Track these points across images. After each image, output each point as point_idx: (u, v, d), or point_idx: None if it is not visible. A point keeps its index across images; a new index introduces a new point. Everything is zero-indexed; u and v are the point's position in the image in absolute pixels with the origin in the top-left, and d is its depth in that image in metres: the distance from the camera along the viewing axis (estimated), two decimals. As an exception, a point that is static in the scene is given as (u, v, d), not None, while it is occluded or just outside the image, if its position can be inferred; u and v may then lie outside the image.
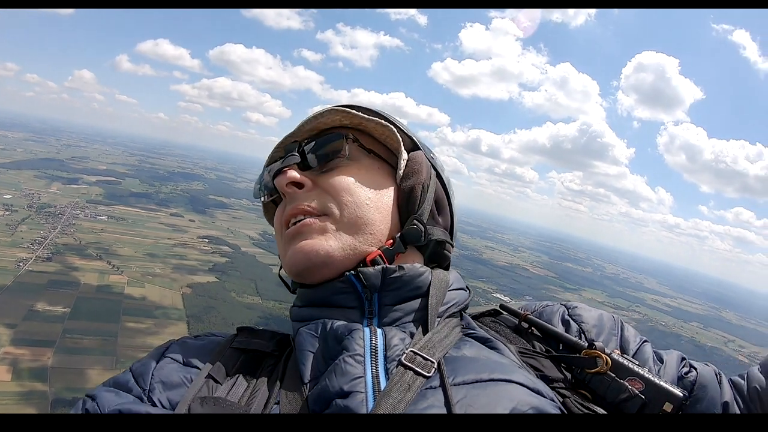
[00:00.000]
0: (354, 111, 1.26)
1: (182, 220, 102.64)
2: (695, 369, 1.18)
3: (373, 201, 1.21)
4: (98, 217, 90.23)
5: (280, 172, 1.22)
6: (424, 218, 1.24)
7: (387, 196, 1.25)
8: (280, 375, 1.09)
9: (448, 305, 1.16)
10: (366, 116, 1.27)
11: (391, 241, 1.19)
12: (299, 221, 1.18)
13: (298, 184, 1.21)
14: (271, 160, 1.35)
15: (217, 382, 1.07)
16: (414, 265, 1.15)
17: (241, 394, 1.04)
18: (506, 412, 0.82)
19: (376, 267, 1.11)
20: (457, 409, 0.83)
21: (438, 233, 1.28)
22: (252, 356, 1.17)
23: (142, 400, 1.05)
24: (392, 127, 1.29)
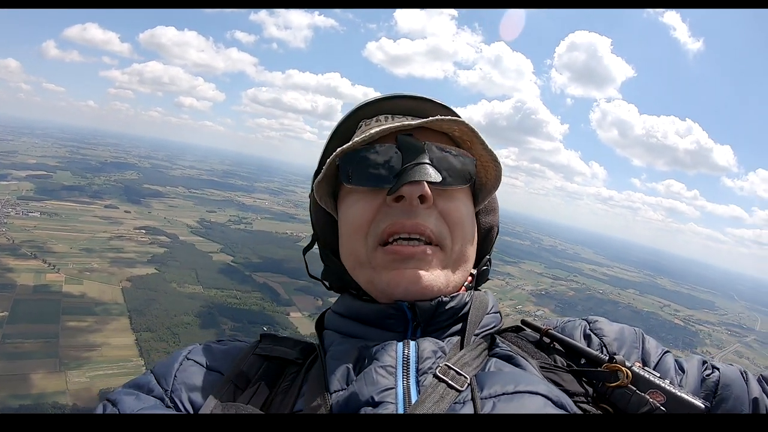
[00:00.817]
0: (475, 131, 1.20)
1: (117, 212, 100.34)
2: (717, 369, 1.16)
3: (472, 236, 1.24)
4: (30, 213, 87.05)
5: (410, 182, 1.10)
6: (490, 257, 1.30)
7: (476, 232, 1.28)
8: (302, 383, 1.08)
9: (485, 328, 1.17)
10: (484, 144, 1.22)
11: (471, 278, 1.25)
12: (413, 241, 1.12)
13: (423, 199, 1.13)
14: (374, 138, 1.16)
15: (239, 388, 1.07)
16: (464, 294, 1.18)
17: (263, 401, 1.04)
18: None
19: (432, 302, 1.11)
20: None
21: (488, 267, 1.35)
22: (275, 363, 1.16)
23: (164, 401, 1.06)
24: (500, 166, 1.26)
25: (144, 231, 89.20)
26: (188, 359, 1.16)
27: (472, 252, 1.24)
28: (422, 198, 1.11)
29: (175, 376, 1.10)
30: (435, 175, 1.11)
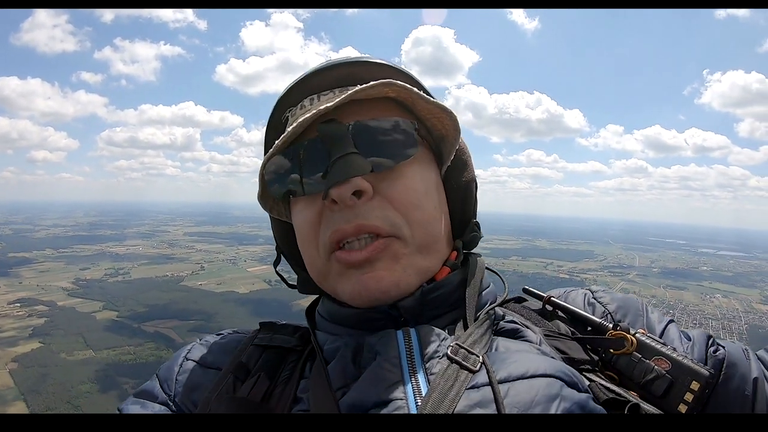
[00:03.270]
0: (408, 85, 0.99)
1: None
2: (723, 347, 1.10)
3: (437, 210, 1.08)
4: None
5: (337, 183, 0.94)
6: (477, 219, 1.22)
7: (443, 197, 1.13)
8: (304, 374, 1.02)
9: (484, 307, 1.09)
10: (422, 95, 1.01)
11: (455, 253, 1.13)
12: (362, 242, 0.97)
13: (359, 194, 0.97)
14: (291, 140, 1.02)
15: (239, 379, 1.03)
16: (452, 276, 1.08)
17: (263, 393, 0.98)
18: (552, 408, 0.78)
19: (414, 294, 1.00)
20: (506, 408, 0.78)
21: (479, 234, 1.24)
22: (274, 353, 1.10)
23: (168, 406, 1.05)
24: (453, 113, 1.06)
25: (19, 304, 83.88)
26: (187, 359, 1.13)
27: (440, 228, 1.07)
28: (358, 194, 0.96)
29: (176, 379, 1.08)
30: (363, 166, 0.96)
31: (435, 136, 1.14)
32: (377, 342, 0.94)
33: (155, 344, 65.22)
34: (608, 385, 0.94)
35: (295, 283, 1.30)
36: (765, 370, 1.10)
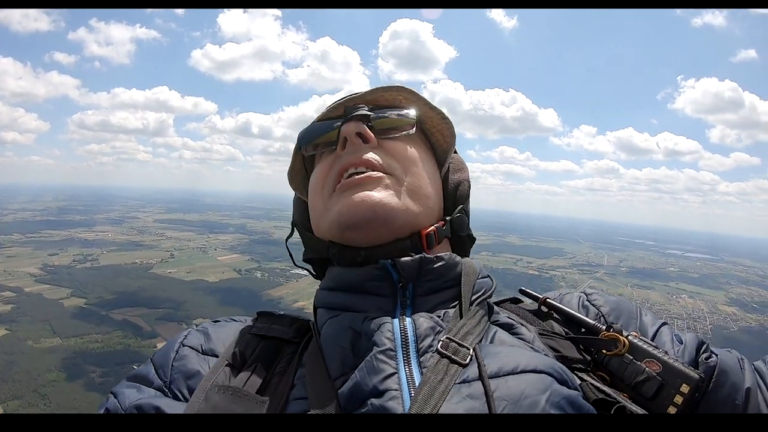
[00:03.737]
0: (419, 95, 1.25)
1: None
2: (716, 354, 1.12)
3: (432, 179, 1.23)
4: None
5: (349, 119, 1.18)
6: (467, 212, 1.33)
7: (438, 182, 1.28)
8: (300, 365, 1.06)
9: (479, 293, 1.13)
10: (429, 104, 1.28)
11: (443, 222, 1.21)
12: (361, 173, 1.12)
13: (365, 138, 1.16)
14: (325, 117, 1.28)
15: (235, 368, 1.06)
16: (451, 254, 1.15)
17: (260, 383, 1.01)
18: (542, 402, 0.81)
19: (413, 257, 1.08)
20: (496, 402, 0.82)
21: (470, 230, 1.34)
22: (271, 343, 1.14)
23: (163, 391, 1.05)
24: (450, 122, 1.31)
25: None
26: (184, 345, 1.14)
27: (431, 190, 1.21)
28: (363, 137, 1.16)
29: (172, 365, 1.09)
30: (366, 112, 1.20)
31: (439, 152, 1.33)
32: (375, 332, 0.97)
33: (123, 332, 64.85)
34: (599, 385, 0.98)
35: (301, 264, 1.39)
36: (760, 381, 1.11)
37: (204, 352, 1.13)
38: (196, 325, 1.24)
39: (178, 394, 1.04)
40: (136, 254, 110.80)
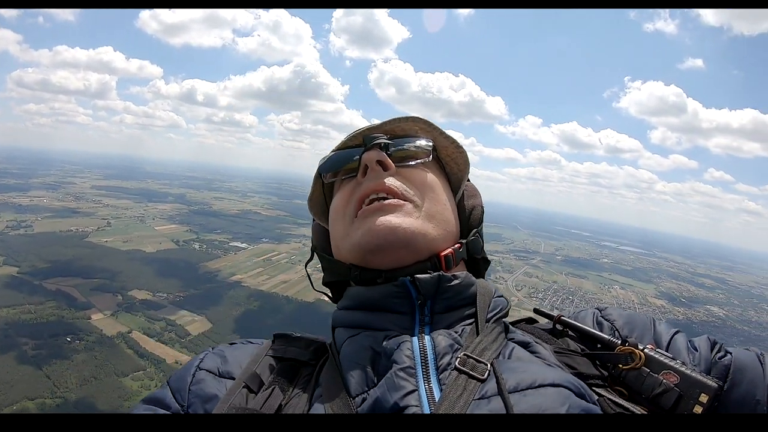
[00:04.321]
0: (434, 125, 1.33)
1: None
2: (730, 353, 1.11)
3: (449, 205, 1.28)
4: None
5: (369, 148, 1.23)
6: (482, 235, 1.36)
7: (454, 207, 1.33)
8: (317, 385, 1.07)
9: (495, 311, 1.15)
10: (443, 133, 1.35)
11: (459, 245, 1.25)
12: (383, 198, 1.17)
13: (384, 166, 1.21)
14: (345, 146, 1.34)
15: (252, 391, 1.05)
16: (467, 274, 1.17)
17: (277, 405, 1.01)
18: (561, 412, 0.82)
19: (432, 274, 1.10)
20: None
21: (485, 253, 1.38)
22: (288, 365, 1.15)
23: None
24: (464, 151, 1.38)
25: None
26: (200, 369, 1.14)
27: (448, 215, 1.26)
28: (383, 165, 1.21)
29: (190, 389, 1.09)
30: (384, 140, 1.25)
31: (453, 180, 1.43)
32: (395, 350, 1.00)
33: (56, 303, 64.34)
34: (616, 399, 0.98)
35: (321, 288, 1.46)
36: None
37: (221, 375, 1.13)
38: (212, 348, 1.24)
39: None
40: (72, 221, 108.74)
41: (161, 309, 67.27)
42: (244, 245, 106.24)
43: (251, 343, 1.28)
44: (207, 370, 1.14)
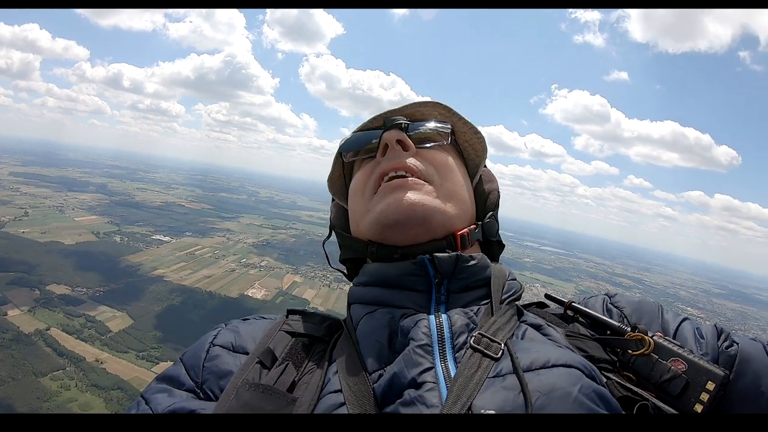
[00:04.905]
0: (454, 111, 1.36)
1: None
2: (737, 343, 1.11)
3: (464, 185, 1.31)
4: None
5: (389, 128, 1.26)
6: (497, 219, 1.39)
7: (471, 190, 1.37)
8: (331, 361, 1.08)
9: (509, 293, 1.18)
10: (462, 119, 1.38)
11: (475, 226, 1.28)
12: (402, 176, 1.20)
13: (404, 145, 1.24)
14: (366, 128, 1.37)
15: (265, 367, 1.06)
16: (483, 256, 1.20)
17: (291, 381, 1.03)
18: (574, 393, 0.84)
19: (450, 254, 1.12)
20: (530, 394, 0.84)
21: (500, 237, 1.40)
22: (302, 341, 1.16)
23: (195, 392, 1.06)
24: (482, 137, 1.41)
25: None
26: (214, 345, 1.15)
27: (465, 196, 1.29)
28: (402, 145, 1.24)
29: (204, 366, 1.10)
30: (405, 122, 1.28)
31: (470, 165, 1.45)
32: (412, 328, 1.02)
33: (-30, 298, 61.84)
34: (624, 383, 0.99)
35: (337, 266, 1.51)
36: None
37: (235, 350, 1.14)
38: (226, 324, 1.25)
39: (211, 395, 1.06)
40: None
41: (81, 304, 65.89)
42: (166, 238, 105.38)
43: (264, 318, 1.30)
44: (221, 346, 1.15)
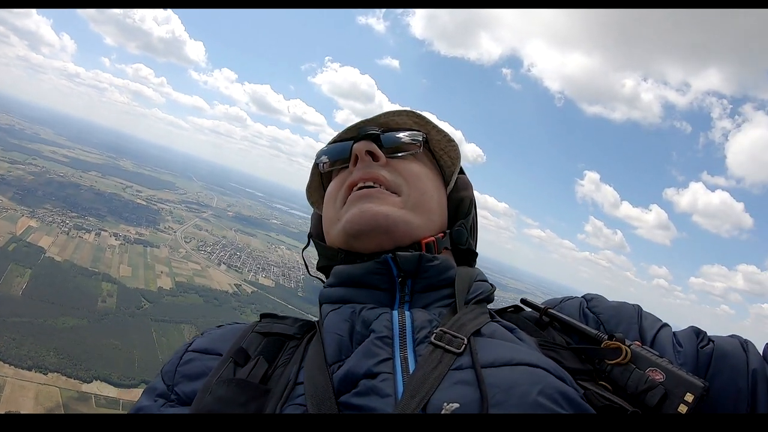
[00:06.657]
0: (427, 119, 1.37)
1: None
2: (713, 341, 1.10)
3: (435, 196, 1.31)
4: None
5: (359, 139, 1.29)
6: (468, 227, 1.39)
7: (442, 198, 1.36)
8: (302, 356, 1.10)
9: (475, 293, 1.17)
10: (436, 127, 1.39)
11: (442, 234, 1.27)
12: (370, 187, 1.22)
13: (374, 156, 1.27)
14: (340, 139, 1.39)
15: (238, 365, 1.09)
16: (447, 257, 1.24)
17: (262, 374, 1.05)
18: (534, 393, 0.82)
19: (413, 253, 1.13)
20: (488, 389, 0.83)
21: (472, 245, 1.41)
22: (274, 339, 1.19)
23: (167, 396, 1.11)
24: (456, 145, 1.42)
25: None
26: (188, 351, 1.19)
27: (434, 205, 1.29)
28: (372, 155, 1.26)
29: (177, 370, 1.14)
30: (376, 132, 1.31)
31: (446, 173, 1.45)
32: (373, 321, 1.05)
33: None
34: (604, 393, 0.96)
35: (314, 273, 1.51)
36: None
37: (208, 352, 1.18)
38: (201, 333, 1.29)
39: (182, 394, 1.10)
40: None
41: None
42: None
43: (238, 324, 1.33)
44: (194, 350, 1.20)
